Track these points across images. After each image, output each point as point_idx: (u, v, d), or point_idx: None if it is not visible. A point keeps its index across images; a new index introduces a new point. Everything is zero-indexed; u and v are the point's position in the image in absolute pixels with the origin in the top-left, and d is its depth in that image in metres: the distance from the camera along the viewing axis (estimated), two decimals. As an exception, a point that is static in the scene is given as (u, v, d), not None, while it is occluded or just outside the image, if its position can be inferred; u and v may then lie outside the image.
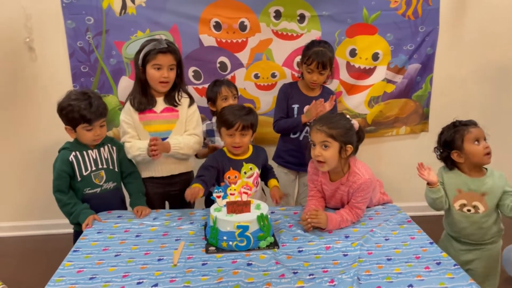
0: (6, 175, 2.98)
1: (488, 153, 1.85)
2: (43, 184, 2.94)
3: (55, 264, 1.57)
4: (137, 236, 1.78)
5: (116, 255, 1.62)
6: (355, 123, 1.90)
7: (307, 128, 2.42)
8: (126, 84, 2.79)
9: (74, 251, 1.66)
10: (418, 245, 1.70)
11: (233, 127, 1.96)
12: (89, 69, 2.78)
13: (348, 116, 1.92)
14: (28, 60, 2.76)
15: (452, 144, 1.90)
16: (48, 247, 2.86)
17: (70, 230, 2.07)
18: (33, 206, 3.04)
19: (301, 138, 2.46)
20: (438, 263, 1.56)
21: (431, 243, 1.71)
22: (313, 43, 2.39)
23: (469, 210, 1.88)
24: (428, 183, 1.89)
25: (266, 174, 2.19)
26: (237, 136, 1.98)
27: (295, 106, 2.43)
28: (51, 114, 2.80)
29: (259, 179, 2.14)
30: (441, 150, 1.96)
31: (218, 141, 2.39)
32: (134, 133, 2.14)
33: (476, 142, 1.86)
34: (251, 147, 2.12)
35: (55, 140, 2.83)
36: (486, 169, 1.91)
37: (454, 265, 1.55)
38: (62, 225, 2.91)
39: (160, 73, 2.07)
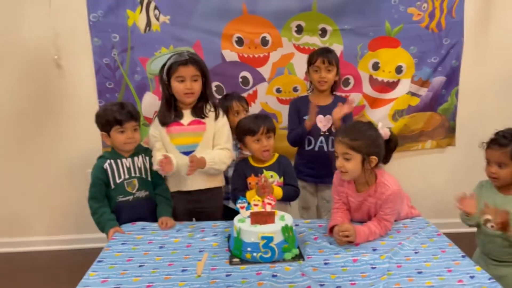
0: (37, 190, 3.02)
1: (492, 177, 1.85)
2: (73, 199, 3.01)
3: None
4: (160, 247, 1.77)
5: (140, 266, 1.61)
6: (386, 131, 1.84)
7: (321, 138, 2.42)
8: (150, 100, 2.83)
9: (99, 261, 1.65)
10: (450, 258, 1.63)
11: (258, 131, 2.03)
12: (114, 85, 2.83)
13: (377, 125, 1.85)
14: (56, 77, 2.84)
15: None
16: (76, 261, 2.85)
17: (100, 244, 2.07)
18: (62, 220, 3.07)
19: (316, 149, 2.44)
20: (472, 277, 1.50)
21: (463, 256, 1.65)
22: (316, 49, 2.53)
23: (492, 226, 1.78)
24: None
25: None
26: (264, 139, 2.04)
27: (306, 117, 2.42)
28: (78, 129, 2.91)
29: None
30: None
31: None
32: (160, 146, 2.15)
33: (487, 162, 1.87)
34: (276, 156, 2.13)
35: (82, 155, 2.93)
36: None
37: (489, 278, 1.48)
38: (91, 240, 2.94)
39: (183, 85, 2.09)
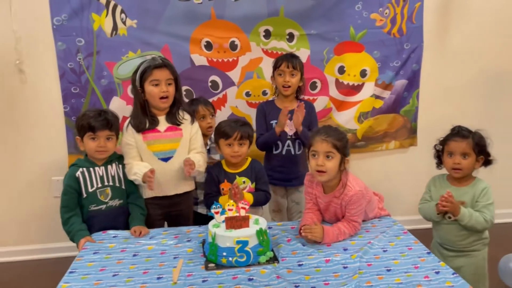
0: (0, 199, 2.91)
1: (455, 169, 1.96)
2: (37, 208, 2.92)
3: None
4: (134, 255, 1.75)
5: (114, 275, 1.59)
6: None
7: (288, 142, 2.47)
8: (117, 105, 2.78)
9: (71, 272, 1.62)
10: (416, 255, 1.71)
11: (231, 137, 2.05)
12: (80, 90, 2.77)
13: None
14: (18, 82, 2.74)
15: (442, 148, 2.03)
16: (45, 271, 2.78)
17: (67, 253, 2.04)
18: (27, 230, 2.97)
19: (284, 152, 2.49)
20: (437, 272, 1.58)
21: (428, 253, 1.73)
22: (281, 55, 2.59)
23: (449, 217, 1.95)
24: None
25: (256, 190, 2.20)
26: (236, 145, 2.07)
27: (274, 122, 2.47)
28: (42, 136, 2.83)
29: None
30: (437, 149, 2.07)
31: None
32: (135, 154, 2.13)
33: (449, 155, 1.97)
34: (248, 160, 2.16)
35: (47, 162, 2.86)
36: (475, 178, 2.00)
37: (453, 273, 1.57)
38: (59, 249, 2.88)
39: (159, 89, 2.08)
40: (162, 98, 2.10)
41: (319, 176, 1.86)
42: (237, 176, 2.08)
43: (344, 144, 1.85)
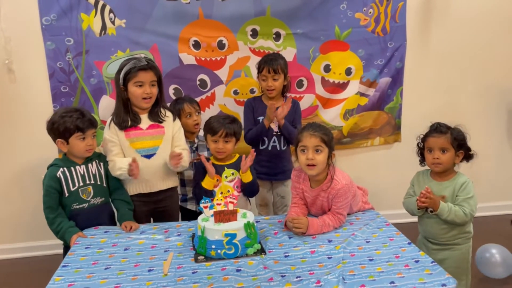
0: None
1: (434, 163, 2.02)
2: (25, 206, 2.94)
3: (42, 286, 1.55)
4: (125, 249, 1.80)
5: (106, 268, 1.64)
6: None
7: (274, 137, 2.54)
8: (107, 103, 2.83)
9: (63, 266, 1.67)
10: (397, 245, 1.78)
11: (217, 133, 2.10)
12: (69, 89, 2.81)
13: None
14: (7, 82, 2.77)
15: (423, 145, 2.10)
16: (34, 269, 2.82)
17: (56, 251, 2.07)
18: (14, 228, 3.00)
19: (269, 148, 2.56)
20: (417, 261, 1.65)
21: (409, 243, 1.80)
22: (263, 56, 2.59)
23: (431, 211, 2.01)
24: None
25: None
26: (221, 142, 2.12)
27: (261, 118, 2.54)
28: (31, 134, 2.85)
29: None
30: (419, 146, 2.13)
31: None
32: (118, 150, 2.17)
33: (428, 151, 2.04)
34: (237, 156, 2.21)
35: (37, 161, 2.87)
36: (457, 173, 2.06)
37: (432, 262, 1.64)
38: (47, 247, 2.91)
39: (142, 90, 2.13)
40: (144, 98, 2.15)
41: (309, 170, 1.92)
42: (225, 168, 2.13)
43: (330, 139, 1.93)
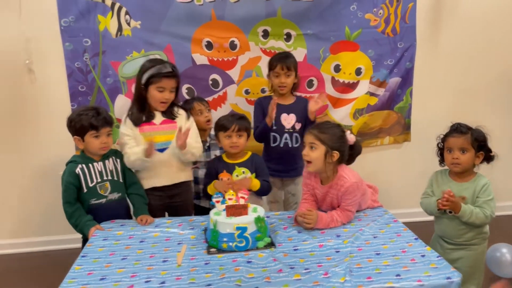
0: (6, 192, 3.04)
1: (454, 163, 2.02)
2: (43, 201, 3.05)
3: (59, 279, 1.60)
4: (141, 241, 1.88)
5: (123, 259, 1.72)
6: (352, 137, 2.04)
7: (286, 135, 2.60)
8: (122, 102, 2.91)
9: (82, 256, 1.75)
10: (404, 241, 1.83)
11: (229, 128, 2.18)
12: (86, 89, 2.90)
13: (346, 130, 2.04)
14: (27, 82, 2.87)
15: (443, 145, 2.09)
16: (50, 263, 2.92)
17: (71, 245, 2.14)
18: (33, 223, 3.10)
19: (281, 145, 2.61)
20: (423, 256, 1.69)
21: (415, 239, 1.85)
22: (275, 54, 2.68)
23: (450, 212, 2.00)
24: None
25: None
26: (234, 136, 2.19)
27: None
28: (50, 133, 2.95)
29: None
30: (439, 147, 2.12)
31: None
32: (133, 144, 2.24)
33: (448, 151, 2.04)
34: (249, 154, 2.28)
35: (55, 158, 2.97)
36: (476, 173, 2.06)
37: (437, 256, 1.68)
38: (64, 241, 3.01)
39: (162, 95, 2.22)
40: (162, 102, 2.24)
41: (307, 166, 2.00)
42: (236, 167, 2.20)
43: (331, 138, 1.95)
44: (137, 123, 2.26)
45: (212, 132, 2.61)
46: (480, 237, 2.05)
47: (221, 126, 2.22)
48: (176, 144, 2.20)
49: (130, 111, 2.30)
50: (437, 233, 2.16)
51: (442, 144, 2.09)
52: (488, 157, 2.02)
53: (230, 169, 2.20)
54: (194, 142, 2.31)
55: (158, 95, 2.22)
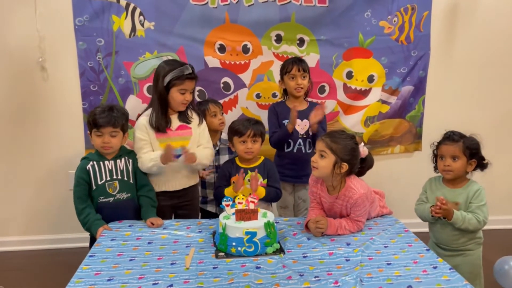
0: (20, 190, 3.05)
1: (445, 170, 2.06)
2: (53, 200, 3.05)
3: (66, 278, 1.59)
4: (149, 243, 1.87)
5: (130, 260, 1.71)
6: (365, 150, 2.01)
7: (299, 140, 2.58)
8: (133, 103, 2.91)
9: (90, 256, 1.74)
10: (416, 251, 1.80)
11: (245, 134, 2.17)
12: (98, 88, 2.90)
13: (360, 143, 2.01)
14: (40, 80, 2.89)
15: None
16: (58, 261, 2.92)
17: (79, 244, 2.14)
18: (42, 220, 3.10)
19: (295, 150, 2.60)
20: (435, 267, 1.67)
21: (427, 249, 1.82)
22: (287, 59, 2.68)
23: (444, 218, 2.03)
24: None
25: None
26: (249, 142, 2.18)
27: (285, 122, 2.59)
28: (61, 131, 2.96)
29: None
30: (435, 153, 2.16)
31: None
32: (149, 149, 2.22)
33: (440, 158, 2.08)
34: (261, 159, 2.27)
35: (65, 156, 2.99)
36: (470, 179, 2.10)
37: (450, 269, 1.65)
38: (72, 240, 3.01)
39: (183, 97, 2.21)
40: (183, 103, 2.24)
41: (312, 170, 1.97)
42: (249, 171, 2.18)
43: (342, 149, 1.90)
44: (160, 129, 2.21)
45: (223, 136, 2.60)
46: (474, 242, 2.08)
47: (236, 131, 2.20)
48: (185, 162, 2.19)
49: (150, 116, 2.24)
50: (432, 240, 2.19)
51: (436, 151, 2.13)
52: (481, 164, 2.07)
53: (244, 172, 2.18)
54: (204, 152, 2.29)
55: (180, 97, 2.21)
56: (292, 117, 2.47)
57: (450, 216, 1.98)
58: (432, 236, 2.19)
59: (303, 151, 2.59)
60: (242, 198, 1.82)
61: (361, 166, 2.02)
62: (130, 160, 2.20)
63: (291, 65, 2.57)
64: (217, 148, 2.60)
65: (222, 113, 2.64)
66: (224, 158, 2.57)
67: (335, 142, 1.92)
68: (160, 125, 2.22)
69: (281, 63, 2.90)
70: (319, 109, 2.48)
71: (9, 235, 3.10)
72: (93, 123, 2.08)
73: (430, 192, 2.16)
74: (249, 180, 2.13)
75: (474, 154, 2.04)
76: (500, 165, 2.09)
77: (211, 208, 2.62)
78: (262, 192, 2.14)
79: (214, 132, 2.55)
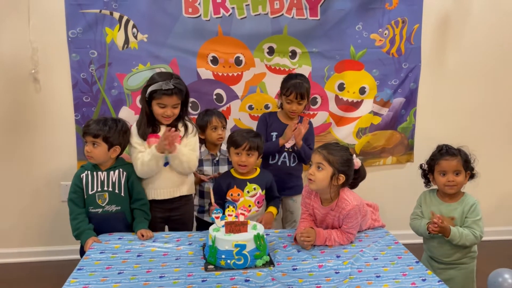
0: (11, 202, 3.02)
1: (448, 185, 2.04)
2: (47, 211, 3.03)
3: None
4: (138, 256, 1.86)
5: (119, 273, 1.70)
6: (358, 162, 2.02)
7: (285, 153, 2.60)
8: (126, 114, 2.91)
9: (78, 269, 1.73)
10: (405, 263, 1.80)
11: (240, 146, 2.16)
12: (91, 100, 2.91)
13: (353, 154, 2.02)
14: (32, 91, 2.88)
15: (429, 167, 2.11)
16: (48, 274, 2.88)
17: (72, 256, 2.13)
18: (33, 232, 3.07)
19: (279, 163, 2.62)
20: (424, 280, 1.67)
21: (417, 262, 1.82)
22: (290, 76, 2.64)
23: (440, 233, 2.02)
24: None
25: (269, 199, 2.32)
26: (243, 155, 2.18)
27: (274, 134, 2.61)
28: (54, 142, 2.95)
29: (264, 201, 2.28)
30: (424, 168, 2.15)
31: (207, 171, 2.54)
32: (143, 150, 2.23)
33: (442, 174, 2.05)
34: (258, 170, 2.27)
35: (58, 168, 2.97)
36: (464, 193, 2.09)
37: (438, 281, 1.66)
38: (63, 252, 2.99)
39: (163, 111, 2.20)
40: (164, 117, 2.23)
41: (309, 183, 1.97)
42: (247, 183, 2.18)
43: (339, 160, 1.92)
44: (143, 137, 2.24)
45: (223, 147, 2.60)
46: (469, 257, 2.08)
47: (233, 142, 2.20)
48: (164, 139, 2.13)
49: (138, 124, 2.27)
50: (427, 253, 2.18)
51: (431, 166, 2.11)
52: (472, 175, 2.08)
53: (241, 185, 2.19)
54: (186, 150, 2.26)
55: (159, 110, 2.20)
56: (288, 135, 2.48)
57: (447, 233, 1.97)
58: (426, 249, 2.18)
59: (287, 164, 2.62)
60: (232, 210, 1.82)
61: (354, 177, 2.02)
62: (125, 173, 2.19)
63: (291, 90, 2.52)
64: (217, 159, 2.59)
65: (224, 128, 2.59)
66: (224, 168, 2.55)
67: (331, 154, 1.93)
68: (144, 134, 2.23)
69: (274, 75, 2.94)
70: (302, 124, 2.51)
71: (5, 247, 3.07)
72: (83, 132, 2.16)
73: (425, 207, 2.15)
74: (248, 192, 2.14)
75: (468, 166, 2.05)
76: (492, 176, 2.09)
77: (208, 218, 2.60)
78: (274, 211, 2.19)
79: (212, 145, 2.56)
